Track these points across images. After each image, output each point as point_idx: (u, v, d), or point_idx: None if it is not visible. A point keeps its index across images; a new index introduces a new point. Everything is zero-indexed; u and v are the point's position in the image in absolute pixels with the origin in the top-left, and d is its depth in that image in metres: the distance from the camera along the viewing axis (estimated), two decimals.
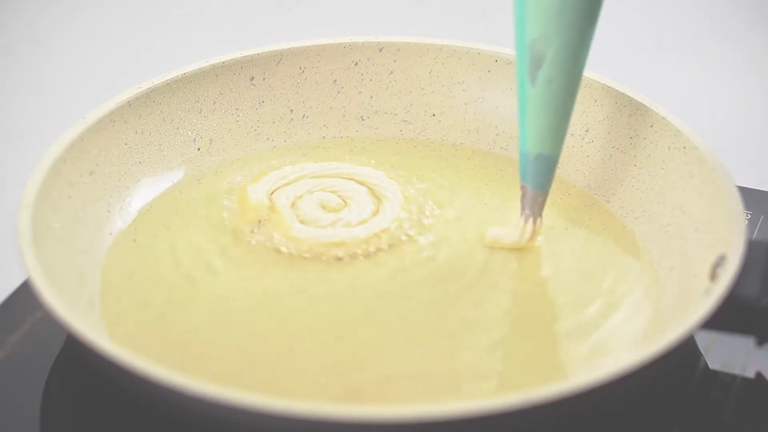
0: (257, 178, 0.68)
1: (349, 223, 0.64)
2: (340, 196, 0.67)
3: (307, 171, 0.69)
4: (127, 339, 0.57)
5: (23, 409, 0.57)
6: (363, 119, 0.74)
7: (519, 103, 0.62)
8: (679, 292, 0.59)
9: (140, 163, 0.67)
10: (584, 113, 0.70)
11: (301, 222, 0.65)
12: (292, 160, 0.70)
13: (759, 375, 0.60)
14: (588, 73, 0.70)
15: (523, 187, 0.63)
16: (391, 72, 0.74)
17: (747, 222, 0.67)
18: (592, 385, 0.50)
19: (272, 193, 0.67)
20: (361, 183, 0.68)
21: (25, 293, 0.61)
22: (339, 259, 0.62)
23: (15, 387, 0.58)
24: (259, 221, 0.65)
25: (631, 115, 0.68)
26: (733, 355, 0.61)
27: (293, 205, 0.66)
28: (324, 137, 0.73)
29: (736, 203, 0.59)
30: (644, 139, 0.67)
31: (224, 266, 0.62)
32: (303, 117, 0.73)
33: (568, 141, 0.70)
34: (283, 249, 0.63)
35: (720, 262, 0.57)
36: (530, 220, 0.63)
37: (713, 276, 0.57)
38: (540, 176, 0.62)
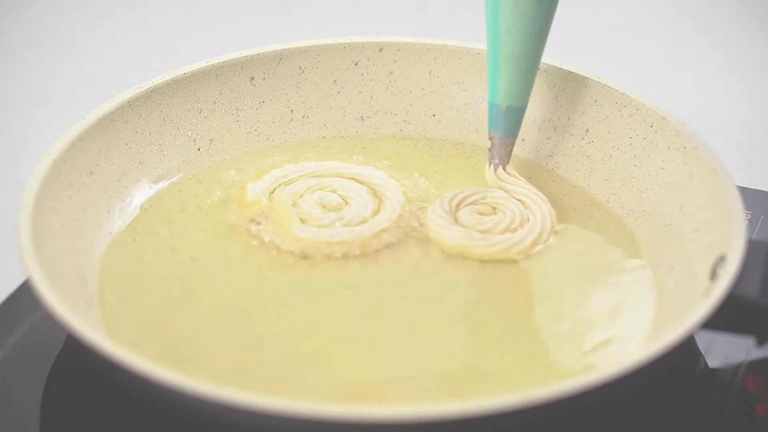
0: (258, 177, 0.68)
1: (349, 223, 0.64)
2: (340, 195, 0.67)
3: (308, 170, 0.69)
4: (127, 339, 0.57)
5: (23, 409, 0.57)
6: (363, 119, 0.74)
7: (489, 54, 0.65)
8: (679, 292, 0.59)
9: (140, 163, 0.67)
10: (584, 113, 0.70)
11: (302, 221, 0.65)
12: (292, 159, 0.70)
13: (759, 375, 0.60)
14: (588, 73, 0.70)
15: (492, 137, 0.67)
16: (391, 72, 0.74)
17: (747, 222, 0.67)
18: (592, 385, 0.50)
19: (273, 191, 0.67)
20: (362, 183, 0.68)
21: (25, 293, 0.61)
22: (339, 258, 0.62)
23: (15, 387, 0.58)
24: (258, 219, 0.65)
25: (631, 115, 0.68)
26: (733, 355, 0.61)
27: (294, 204, 0.66)
28: (324, 137, 0.73)
29: (736, 203, 0.59)
30: (644, 139, 0.67)
31: (224, 266, 0.62)
32: (303, 117, 0.73)
33: (569, 141, 0.70)
34: (284, 248, 0.63)
35: (720, 262, 0.57)
36: (499, 169, 0.67)
37: (713, 276, 0.57)
38: (510, 125, 0.67)
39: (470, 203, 0.66)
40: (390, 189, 0.67)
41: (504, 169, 0.67)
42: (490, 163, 0.67)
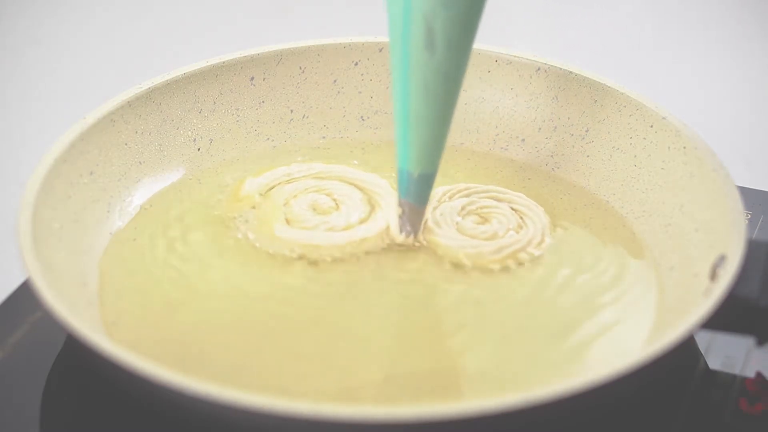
0: (260, 173, 0.68)
1: (333, 228, 0.64)
2: (334, 200, 0.66)
3: (313, 171, 0.68)
4: (127, 339, 0.57)
5: (23, 409, 0.57)
6: (363, 119, 0.74)
7: (399, 120, 0.61)
8: (679, 292, 0.59)
9: (140, 163, 0.67)
10: (584, 113, 0.70)
11: (287, 221, 0.64)
12: (292, 160, 0.70)
13: (759, 375, 0.60)
14: (588, 73, 0.70)
15: (403, 204, 0.63)
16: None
17: (747, 222, 0.67)
18: (593, 385, 0.50)
19: (272, 188, 0.67)
20: (361, 189, 0.67)
21: (25, 293, 0.61)
22: (314, 262, 0.62)
23: (15, 387, 0.58)
24: (244, 215, 0.65)
25: (631, 115, 0.68)
26: (733, 355, 0.61)
27: (286, 203, 0.66)
28: (324, 137, 0.73)
29: (736, 203, 0.59)
30: (644, 139, 0.67)
31: (224, 266, 0.62)
32: (303, 117, 0.73)
33: (569, 141, 0.70)
34: (259, 246, 0.63)
35: (720, 262, 0.57)
36: (411, 236, 0.63)
37: (713, 276, 0.57)
38: (422, 192, 0.63)
39: (462, 217, 0.65)
40: (386, 199, 0.66)
41: (415, 236, 0.63)
42: (401, 230, 0.63)
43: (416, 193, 0.63)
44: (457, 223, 0.64)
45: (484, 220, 0.65)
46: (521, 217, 0.65)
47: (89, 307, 0.59)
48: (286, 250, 0.63)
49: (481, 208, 0.65)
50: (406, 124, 0.61)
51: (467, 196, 0.66)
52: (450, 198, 0.66)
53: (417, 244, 0.63)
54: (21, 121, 0.88)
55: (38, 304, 0.54)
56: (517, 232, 0.64)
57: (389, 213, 0.65)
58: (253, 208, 0.65)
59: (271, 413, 0.48)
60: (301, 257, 0.62)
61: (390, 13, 0.60)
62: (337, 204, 0.66)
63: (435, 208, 0.65)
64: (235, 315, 0.59)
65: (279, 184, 0.67)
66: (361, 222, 0.64)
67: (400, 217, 0.63)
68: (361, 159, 0.71)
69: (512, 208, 0.66)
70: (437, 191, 0.66)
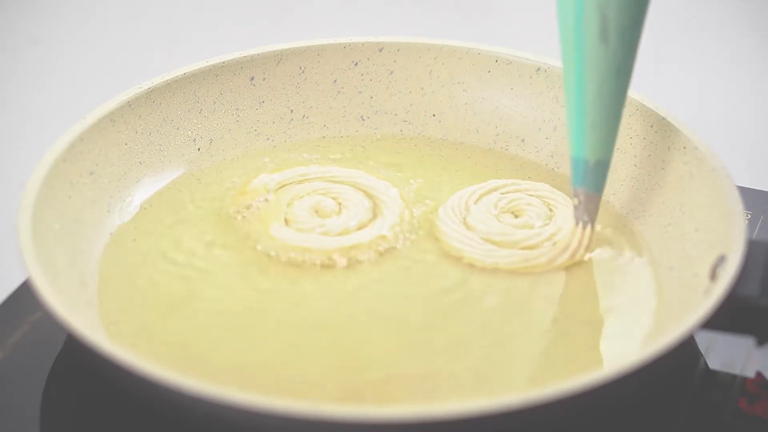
0: (278, 169, 0.68)
1: (328, 232, 0.64)
2: (339, 203, 0.66)
3: (328, 173, 0.68)
4: (127, 339, 0.57)
5: (23, 409, 0.57)
6: (363, 119, 0.74)
7: (573, 111, 0.62)
8: (679, 292, 0.59)
9: (140, 163, 0.67)
10: None
11: (286, 221, 0.64)
12: (293, 160, 0.70)
13: (759, 375, 0.60)
14: None
15: (579, 193, 0.63)
16: (391, 72, 0.74)
17: (747, 222, 0.67)
18: (592, 385, 0.50)
19: (283, 186, 0.67)
20: (371, 197, 0.67)
21: (25, 293, 0.62)
22: (302, 264, 0.62)
23: (15, 387, 0.58)
24: (247, 210, 0.65)
25: (631, 115, 0.68)
26: (733, 355, 0.61)
27: (290, 203, 0.66)
28: (324, 137, 0.73)
29: (736, 203, 0.59)
30: (644, 139, 0.67)
31: (224, 266, 0.62)
32: (303, 117, 0.73)
33: (568, 141, 0.70)
34: (258, 246, 0.63)
35: (720, 262, 0.57)
36: (588, 227, 0.63)
37: (713, 276, 0.57)
38: (599, 178, 0.63)
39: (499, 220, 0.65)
40: (391, 209, 0.66)
41: (592, 225, 0.63)
42: (578, 222, 0.63)
43: (593, 180, 0.63)
44: (507, 225, 0.64)
45: (515, 215, 0.65)
46: (546, 203, 0.66)
47: (89, 307, 0.59)
48: (280, 251, 0.63)
49: (512, 202, 0.66)
50: (581, 116, 0.62)
51: (484, 196, 0.67)
52: (467, 205, 0.66)
53: (584, 260, 0.63)
54: (21, 121, 0.89)
55: (38, 304, 0.54)
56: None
57: (389, 222, 0.65)
58: (249, 207, 0.65)
59: (271, 413, 0.48)
60: (291, 261, 0.62)
61: (561, 4, 0.60)
62: (340, 208, 0.66)
63: (465, 218, 0.65)
64: (234, 315, 0.59)
65: (291, 183, 0.67)
66: (359, 228, 0.64)
67: (576, 207, 0.63)
68: (361, 158, 0.71)
69: (530, 195, 0.66)
70: (446, 206, 0.66)
